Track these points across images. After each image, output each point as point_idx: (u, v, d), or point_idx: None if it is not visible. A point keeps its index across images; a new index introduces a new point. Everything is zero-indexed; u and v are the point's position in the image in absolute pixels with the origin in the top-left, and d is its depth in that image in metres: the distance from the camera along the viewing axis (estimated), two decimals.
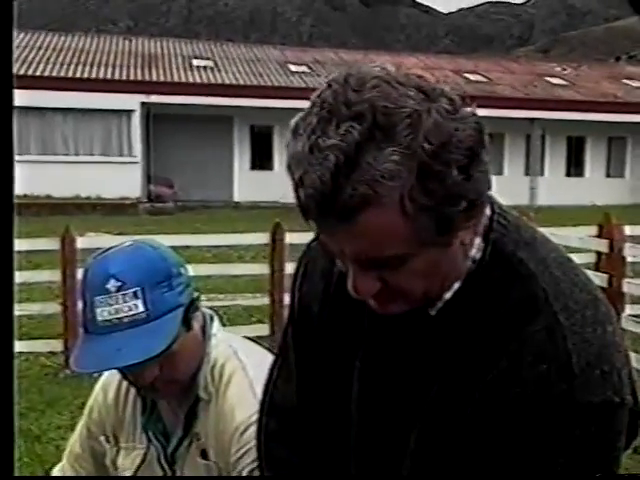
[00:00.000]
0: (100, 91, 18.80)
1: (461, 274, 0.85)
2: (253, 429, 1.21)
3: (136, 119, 19.63)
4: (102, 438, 1.43)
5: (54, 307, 5.56)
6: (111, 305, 1.17)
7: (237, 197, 20.61)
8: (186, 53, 22.80)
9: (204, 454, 1.30)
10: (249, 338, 1.45)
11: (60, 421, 4.29)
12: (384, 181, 0.72)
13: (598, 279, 4.79)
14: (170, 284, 1.21)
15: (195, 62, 21.80)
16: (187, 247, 6.20)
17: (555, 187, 21.77)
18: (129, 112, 19.53)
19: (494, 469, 0.81)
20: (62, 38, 23.05)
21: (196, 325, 1.29)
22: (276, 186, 20.02)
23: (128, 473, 1.39)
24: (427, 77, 0.79)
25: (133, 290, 1.18)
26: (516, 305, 0.82)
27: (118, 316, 1.17)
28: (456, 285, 0.85)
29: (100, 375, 1.46)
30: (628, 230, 5.37)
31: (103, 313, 1.18)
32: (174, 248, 1.31)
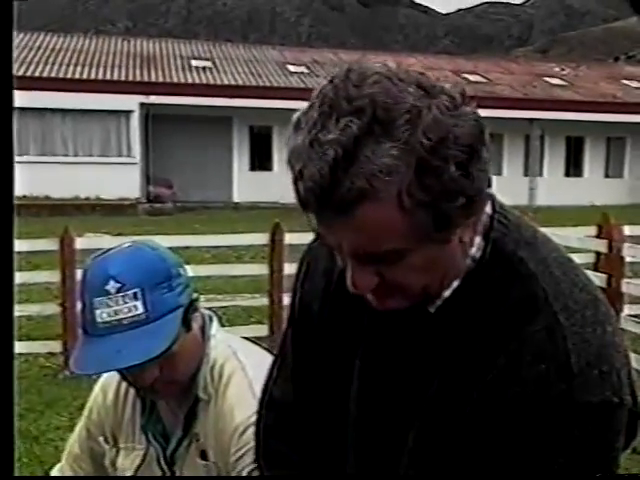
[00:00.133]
0: (99, 92, 18.80)
1: (460, 272, 0.85)
2: (252, 429, 1.21)
3: (135, 120, 19.63)
4: (101, 439, 1.42)
5: (53, 308, 5.55)
6: (111, 307, 1.17)
7: (236, 198, 20.61)
8: (185, 54, 22.80)
9: (203, 455, 1.30)
10: (248, 339, 1.45)
11: (59, 422, 4.29)
12: (382, 175, 0.72)
13: (597, 279, 4.79)
14: (170, 285, 1.21)
15: (194, 63, 21.80)
16: (186, 248, 6.20)
17: (554, 187, 21.78)
18: (128, 113, 19.52)
19: (492, 469, 0.81)
20: (61, 39, 23.06)
21: (195, 326, 1.29)
22: (275, 187, 20.02)
23: (128, 474, 1.38)
24: (428, 74, 0.79)
25: (133, 291, 1.17)
26: (516, 305, 0.82)
27: (118, 317, 1.17)
28: (455, 283, 0.85)
29: (99, 376, 1.46)
30: (627, 230, 5.37)
31: (103, 315, 1.18)
32: (173, 249, 1.31)
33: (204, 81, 20.51)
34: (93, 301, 1.18)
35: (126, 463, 1.38)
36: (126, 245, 1.26)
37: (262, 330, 5.51)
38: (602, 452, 0.81)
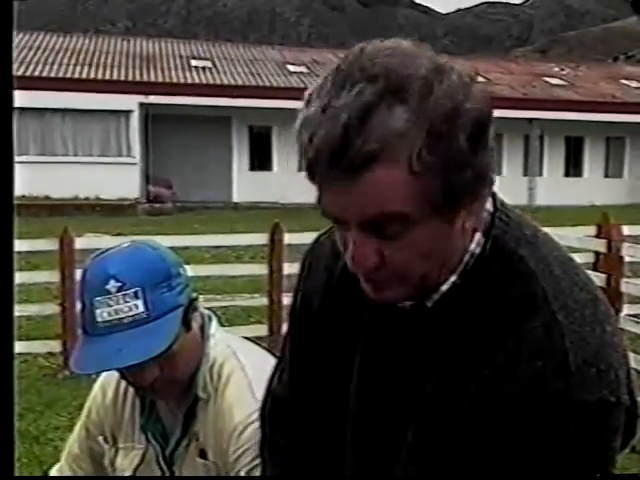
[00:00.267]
0: (99, 92, 18.80)
1: (459, 266, 0.85)
2: (251, 429, 1.21)
3: (135, 120, 19.62)
4: (100, 438, 1.43)
5: (52, 308, 5.56)
6: (111, 306, 1.17)
7: (236, 198, 20.60)
8: (184, 54, 22.80)
9: (203, 454, 1.30)
10: (248, 338, 1.46)
11: (58, 422, 4.29)
12: (393, 138, 0.74)
13: (596, 279, 4.79)
14: (170, 284, 1.21)
15: (194, 62, 21.80)
16: (186, 248, 6.20)
17: (554, 187, 21.79)
18: (127, 113, 19.52)
19: (488, 465, 0.81)
20: (60, 39, 23.05)
21: (195, 325, 1.29)
22: (275, 187, 20.05)
23: (127, 474, 1.38)
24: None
25: (133, 290, 1.17)
26: (515, 302, 0.82)
27: (118, 317, 1.17)
28: (453, 278, 0.86)
29: (99, 376, 1.46)
30: (626, 230, 5.37)
31: (103, 314, 1.17)
32: (173, 249, 1.31)
33: (204, 81, 20.51)
34: (93, 300, 1.18)
35: (125, 463, 1.38)
36: (125, 245, 1.26)
37: (261, 330, 5.51)
38: (598, 451, 0.81)
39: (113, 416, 1.41)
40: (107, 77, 19.93)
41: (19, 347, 5.08)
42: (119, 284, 1.17)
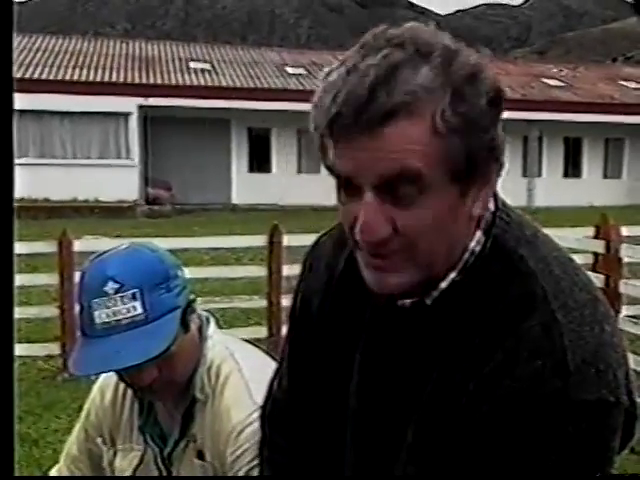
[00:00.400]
0: (98, 94, 18.80)
1: (459, 262, 0.85)
2: (249, 430, 1.21)
3: (133, 122, 19.63)
4: (99, 440, 1.43)
5: (51, 310, 5.55)
6: (109, 307, 1.17)
7: (235, 200, 20.61)
8: (183, 56, 22.80)
9: (200, 455, 1.30)
10: (247, 340, 1.46)
11: (58, 425, 4.29)
12: (419, 92, 0.76)
13: (595, 280, 4.79)
14: (168, 286, 1.22)
15: (192, 65, 21.81)
16: (185, 250, 6.20)
17: (553, 188, 21.80)
18: (126, 115, 19.53)
19: (487, 464, 0.81)
20: (59, 41, 23.06)
21: (193, 327, 1.29)
22: (274, 188, 20.06)
23: (125, 475, 1.39)
24: None
25: (132, 292, 1.18)
26: (514, 302, 0.83)
27: (117, 318, 1.17)
28: (452, 274, 0.86)
29: (98, 377, 1.46)
30: (625, 231, 5.38)
31: (101, 315, 1.18)
32: (172, 251, 1.32)
33: (203, 83, 20.52)
34: (91, 302, 1.18)
35: (124, 464, 1.39)
36: (123, 247, 1.26)
37: (261, 332, 5.51)
38: (597, 451, 0.81)
39: (112, 418, 1.41)
40: (106, 79, 19.94)
41: (18, 350, 5.08)
42: (117, 286, 1.18)
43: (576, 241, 5.43)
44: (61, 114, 19.13)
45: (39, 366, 5.53)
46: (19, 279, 5.40)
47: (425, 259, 0.82)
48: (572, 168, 23.40)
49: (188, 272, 1.32)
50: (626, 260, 5.24)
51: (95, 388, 1.46)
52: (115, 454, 1.41)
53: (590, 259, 5.35)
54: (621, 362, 0.82)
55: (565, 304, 0.82)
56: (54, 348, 5.39)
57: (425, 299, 0.88)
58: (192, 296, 1.28)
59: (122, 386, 1.38)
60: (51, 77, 19.51)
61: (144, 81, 20.16)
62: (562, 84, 23.89)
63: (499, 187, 0.90)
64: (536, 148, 22.00)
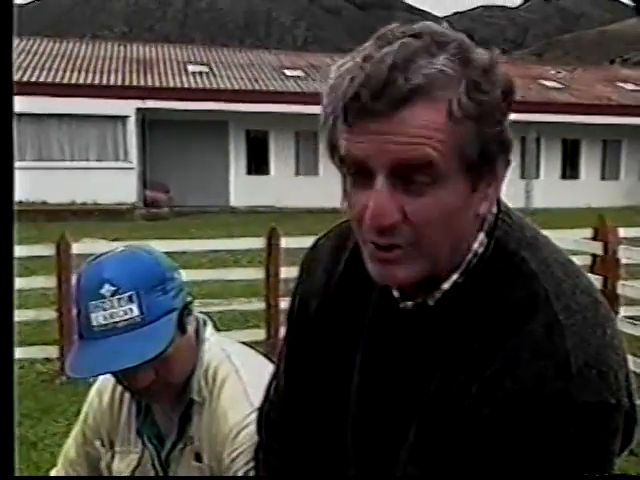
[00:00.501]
0: (95, 97, 18.79)
1: (461, 263, 0.85)
2: (246, 432, 1.21)
3: (131, 124, 19.62)
4: (97, 443, 1.43)
5: (49, 313, 5.54)
6: (106, 310, 1.18)
7: (233, 202, 20.60)
8: (181, 58, 22.81)
9: (198, 457, 1.31)
10: (245, 343, 1.46)
11: (56, 428, 4.28)
12: (437, 78, 0.76)
13: (593, 281, 4.80)
14: (164, 288, 1.22)
15: (190, 67, 21.81)
16: (183, 252, 6.20)
17: (551, 190, 21.81)
18: (124, 118, 19.52)
19: (489, 465, 0.81)
20: (57, 44, 23.05)
21: (190, 329, 1.29)
22: (272, 191, 20.06)
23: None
24: None
25: (128, 294, 1.18)
26: (516, 303, 0.83)
27: (113, 320, 1.18)
28: (455, 276, 0.86)
29: (95, 380, 1.46)
30: (622, 232, 5.39)
31: (98, 318, 1.18)
32: (170, 254, 1.32)
33: (200, 86, 20.52)
34: (88, 305, 1.19)
35: (122, 466, 1.39)
36: (120, 249, 1.26)
37: (259, 334, 5.51)
38: (598, 453, 0.81)
39: (109, 420, 1.41)
40: (104, 82, 19.93)
41: (16, 353, 5.04)
42: (114, 288, 1.18)
43: (574, 242, 5.44)
44: (59, 117, 19.11)
45: (37, 369, 5.52)
46: (17, 282, 5.37)
47: (430, 252, 0.82)
48: (570, 170, 23.42)
49: (187, 275, 1.32)
50: (624, 261, 5.25)
51: (93, 391, 1.46)
52: (113, 457, 1.41)
53: (588, 260, 5.36)
54: (622, 364, 0.82)
55: (567, 306, 0.82)
56: (52, 351, 5.38)
57: (427, 300, 0.88)
58: (189, 298, 1.28)
59: (120, 389, 1.38)
60: (49, 80, 19.50)
61: (142, 84, 20.16)
62: (560, 86, 23.92)
63: None
64: (534, 150, 22.02)
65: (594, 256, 5.35)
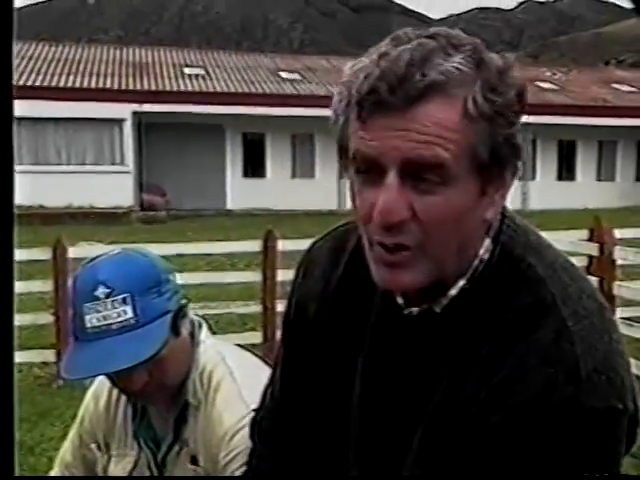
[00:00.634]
0: (92, 100, 18.78)
1: (468, 269, 0.85)
2: (241, 434, 1.21)
3: (128, 128, 19.61)
4: (93, 446, 1.43)
5: (46, 317, 5.53)
6: (100, 312, 1.18)
7: (230, 205, 20.59)
8: (177, 61, 22.81)
9: (194, 460, 1.31)
10: (242, 346, 1.46)
11: (53, 432, 4.27)
12: (453, 75, 0.76)
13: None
14: (159, 290, 1.22)
15: (187, 70, 21.82)
16: (180, 256, 6.19)
17: (547, 191, 21.84)
18: (121, 121, 19.51)
19: (496, 471, 0.81)
20: (53, 48, 23.03)
21: (185, 331, 1.29)
22: (269, 193, 20.06)
23: None
24: None
25: (122, 296, 1.18)
26: (524, 309, 0.82)
27: (107, 322, 1.18)
28: (461, 282, 0.86)
29: (92, 384, 1.46)
30: (618, 233, 5.40)
31: (92, 320, 1.18)
32: (167, 257, 1.32)
33: (197, 89, 20.52)
34: (82, 307, 1.19)
35: (118, 469, 1.39)
36: (115, 252, 1.27)
37: (256, 337, 5.50)
38: (604, 457, 0.81)
39: (105, 423, 1.41)
40: (100, 86, 19.92)
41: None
42: (108, 290, 1.18)
43: (570, 244, 5.45)
44: (55, 121, 19.10)
45: (35, 373, 5.51)
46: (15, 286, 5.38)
47: (437, 254, 0.81)
48: (566, 171, 23.46)
49: (183, 278, 1.32)
50: (620, 262, 5.26)
51: (89, 394, 1.46)
52: (109, 460, 1.41)
53: (584, 261, 5.37)
54: (626, 369, 0.83)
55: (575, 312, 0.82)
56: (49, 355, 5.37)
57: (434, 307, 0.87)
58: (184, 301, 1.28)
59: (116, 392, 1.38)
60: (45, 84, 19.49)
61: (138, 87, 20.15)
62: (555, 87, 23.98)
63: None
64: (530, 151, 22.05)
65: (590, 257, 5.35)
